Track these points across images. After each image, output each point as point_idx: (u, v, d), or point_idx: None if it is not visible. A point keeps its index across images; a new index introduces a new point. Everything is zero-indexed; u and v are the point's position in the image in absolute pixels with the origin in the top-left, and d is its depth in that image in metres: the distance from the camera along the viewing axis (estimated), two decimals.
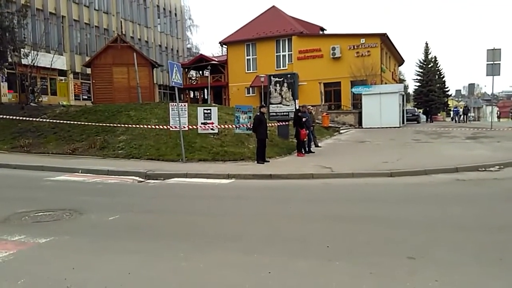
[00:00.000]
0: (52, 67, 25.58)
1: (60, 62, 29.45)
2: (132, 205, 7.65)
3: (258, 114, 13.12)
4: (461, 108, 42.43)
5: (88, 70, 28.63)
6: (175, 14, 46.19)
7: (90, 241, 5.30)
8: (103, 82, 25.00)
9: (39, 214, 6.54)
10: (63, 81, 31.70)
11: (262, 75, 29.03)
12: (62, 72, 30.94)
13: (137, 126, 15.61)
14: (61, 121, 16.57)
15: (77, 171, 11.23)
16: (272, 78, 16.96)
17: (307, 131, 14.60)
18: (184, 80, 33.74)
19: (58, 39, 31.10)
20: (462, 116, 39.66)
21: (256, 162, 12.45)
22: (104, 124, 15.86)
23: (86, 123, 16.38)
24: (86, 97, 32.50)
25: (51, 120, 16.87)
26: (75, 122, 16.44)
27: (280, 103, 16.41)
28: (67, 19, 32.09)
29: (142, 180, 10.34)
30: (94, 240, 5.32)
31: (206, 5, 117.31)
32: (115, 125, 15.84)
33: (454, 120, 40.33)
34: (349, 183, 9.51)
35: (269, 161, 12.65)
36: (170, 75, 13.10)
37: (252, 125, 13.43)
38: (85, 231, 5.78)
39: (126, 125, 15.72)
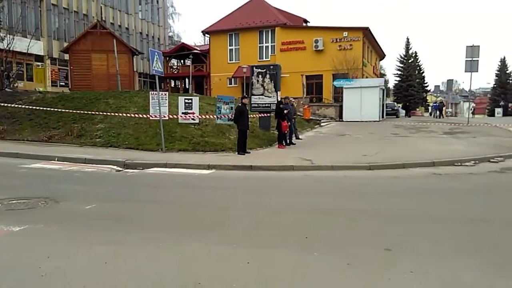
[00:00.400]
0: (28, 52, 24.82)
1: (37, 47, 28.65)
2: (109, 194, 7.54)
3: (240, 105, 13.07)
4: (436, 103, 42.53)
5: (66, 56, 27.94)
6: (157, 1, 45.35)
7: (66, 230, 5.20)
8: (82, 69, 24.45)
9: (13, 202, 6.38)
10: (40, 67, 30.85)
11: (245, 66, 28.86)
12: (39, 58, 30.10)
13: (116, 114, 15.33)
14: (37, 108, 16.15)
15: (53, 159, 10.99)
16: (254, 69, 16.89)
17: (289, 123, 14.62)
18: (165, 69, 33.29)
19: (35, 23, 30.16)
20: (437, 112, 39.48)
21: (237, 153, 12.42)
22: (81, 112, 15.53)
23: (63, 110, 15.98)
24: (63, 83, 31.72)
25: (27, 107, 16.42)
26: (52, 109, 16.03)
27: (262, 95, 16.38)
28: (45, 3, 31.13)
29: (121, 169, 10.19)
30: (70, 229, 5.22)
31: None
32: (93, 112, 15.53)
33: (433, 115, 40.77)
34: (329, 175, 9.58)
35: (249, 152, 12.64)
36: (151, 63, 12.89)
37: (233, 115, 13.37)
38: (61, 219, 5.67)
39: (105, 113, 15.43)
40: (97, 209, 6.22)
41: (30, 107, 16.34)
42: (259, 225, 5.56)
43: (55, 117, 15.77)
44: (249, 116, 13.40)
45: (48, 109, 16.04)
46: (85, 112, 15.52)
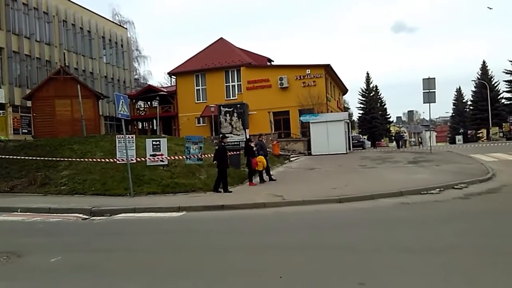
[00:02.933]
0: None
1: None
2: (75, 244, 7.24)
3: (222, 144, 13.34)
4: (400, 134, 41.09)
5: (29, 103, 27.35)
6: (122, 45, 45.62)
7: (30, 285, 4.93)
8: (45, 115, 23.99)
9: None
10: (1, 115, 29.97)
11: (212, 105, 29.11)
12: (0, 106, 29.30)
13: (81, 160, 14.98)
14: None
15: (16, 210, 10.54)
16: (222, 108, 17.08)
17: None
18: (131, 111, 33.03)
19: None
20: (396, 144, 36.31)
21: (213, 191, 12.44)
22: (45, 159, 15.09)
23: (26, 158, 15.47)
24: (26, 131, 30.81)
25: None
26: (14, 157, 15.50)
27: (230, 133, 16.49)
28: (6, 50, 30.67)
29: (87, 217, 9.85)
30: (34, 284, 4.97)
31: (153, 36, 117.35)
32: (57, 159, 15.11)
33: (398, 146, 36.44)
34: (300, 210, 9.60)
35: (231, 192, 12.57)
36: (117, 107, 12.80)
37: (214, 155, 13.43)
38: (24, 275, 5.38)
39: (69, 159, 15.05)
40: (62, 262, 5.94)
41: None
42: (232, 267, 5.44)
43: (18, 166, 15.24)
44: (227, 155, 13.55)
45: (10, 157, 15.49)
46: (49, 159, 15.08)
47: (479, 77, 59.46)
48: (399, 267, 5.06)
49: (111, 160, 14.34)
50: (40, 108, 24.24)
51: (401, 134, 42.14)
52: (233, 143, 16.43)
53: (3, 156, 15.56)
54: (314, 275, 4.93)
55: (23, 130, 31.07)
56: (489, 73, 59.65)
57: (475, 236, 6.53)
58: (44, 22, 34.53)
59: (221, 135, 14.73)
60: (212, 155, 13.69)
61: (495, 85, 58.26)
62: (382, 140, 62.11)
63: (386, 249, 5.91)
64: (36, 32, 33.58)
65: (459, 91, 74.47)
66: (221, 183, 12.67)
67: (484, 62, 60.96)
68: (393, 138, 54.23)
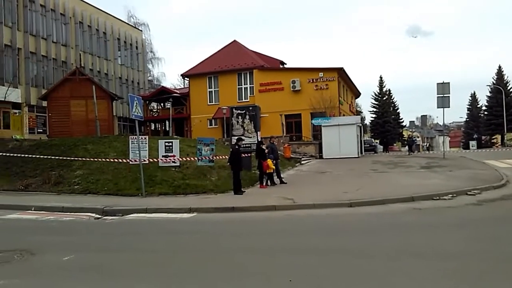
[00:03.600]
0: (6, 100, 24.63)
1: (15, 95, 28.46)
2: (88, 243, 7.35)
3: (236, 147, 13.50)
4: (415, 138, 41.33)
5: (44, 103, 27.80)
6: (136, 47, 46.11)
7: (42, 284, 5.02)
8: (60, 115, 24.35)
9: None
10: (17, 114, 30.51)
11: (224, 107, 29.22)
12: (16, 105, 29.80)
13: (95, 160, 15.18)
14: (14, 155, 15.86)
15: (30, 209, 10.72)
16: (234, 110, 17.13)
17: (274, 162, 14.81)
18: (145, 113, 33.31)
19: (13, 71, 30.10)
20: (408, 149, 35.21)
21: (233, 193, 12.68)
22: (59, 158, 15.32)
23: (41, 157, 15.73)
24: (41, 130, 31.32)
25: (3, 154, 16.11)
26: (29, 156, 15.77)
27: (242, 135, 16.52)
28: (23, 51, 31.24)
29: (99, 216, 9.98)
30: (46, 283, 5.04)
31: (168, 38, 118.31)
32: (71, 159, 15.33)
33: (409, 152, 34.57)
34: (311, 214, 9.59)
35: (245, 191, 12.81)
36: (131, 108, 12.96)
37: (228, 157, 13.62)
38: (37, 273, 5.48)
39: (83, 159, 15.26)
40: (75, 260, 6.04)
41: (7, 155, 16.04)
42: (241, 269, 5.47)
43: (32, 165, 15.50)
44: (242, 157, 13.73)
45: (25, 156, 15.78)
46: (63, 158, 15.31)
47: (494, 82, 58.69)
48: (408, 272, 5.03)
49: (124, 160, 14.50)
50: (55, 108, 24.62)
51: (414, 138, 41.68)
52: (244, 146, 16.46)
53: (19, 155, 15.86)
54: (323, 279, 4.92)
55: (39, 130, 31.59)
56: (505, 78, 58.88)
57: (487, 243, 6.44)
58: (61, 24, 35.12)
59: (236, 138, 14.82)
60: (226, 156, 13.81)
61: (511, 90, 57.40)
62: (395, 144, 61.58)
63: (396, 255, 5.87)
64: (53, 33, 34.16)
65: (473, 96, 73.57)
66: (237, 183, 12.83)
67: (499, 67, 60.24)
68: (405, 142, 53.77)
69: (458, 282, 4.69)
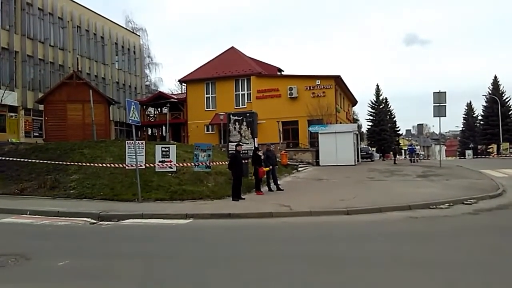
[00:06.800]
0: (2, 103, 24.55)
1: (11, 98, 28.36)
2: (83, 248, 7.29)
3: (234, 152, 13.48)
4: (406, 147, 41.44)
5: (41, 107, 27.72)
6: (134, 52, 46.14)
7: None
8: (56, 119, 24.28)
9: None
10: (13, 118, 30.39)
11: (222, 113, 29.25)
12: (12, 108, 29.71)
13: (91, 164, 15.10)
14: (9, 159, 15.76)
15: (25, 213, 10.63)
16: (231, 116, 17.14)
17: (271, 168, 14.86)
18: (142, 117, 33.33)
19: (9, 74, 30.01)
20: (408, 156, 35.84)
21: (231, 199, 12.61)
22: (55, 163, 15.23)
23: (36, 161, 15.63)
24: (37, 134, 31.22)
25: None
26: (25, 160, 15.68)
27: (239, 142, 16.51)
28: (20, 54, 31.19)
29: (95, 221, 9.91)
30: None
31: (165, 43, 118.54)
32: (67, 163, 15.25)
33: (410, 160, 33.68)
34: (307, 221, 9.56)
35: (244, 198, 12.74)
36: (127, 113, 12.92)
37: (228, 162, 13.60)
38: (32, 278, 5.42)
39: (79, 164, 15.17)
40: (70, 266, 5.98)
41: (2, 158, 15.93)
42: (237, 277, 5.43)
43: (28, 168, 15.40)
44: (242, 162, 13.72)
45: (21, 160, 15.68)
46: (59, 162, 15.23)
47: (490, 92, 59.10)
48: (404, 281, 5.02)
49: (120, 165, 14.43)
50: (52, 112, 24.55)
51: (413, 147, 41.85)
52: (241, 152, 16.44)
53: (14, 159, 15.75)
54: (319, 287, 4.90)
55: (35, 133, 31.48)
56: (501, 88, 59.32)
57: (483, 252, 6.44)
58: (58, 27, 35.13)
59: (236, 143, 14.83)
60: (223, 162, 13.78)
61: (507, 100, 57.86)
62: (391, 152, 61.67)
63: (392, 263, 5.86)
64: (50, 37, 34.15)
65: (469, 105, 74.07)
66: (235, 189, 12.80)
67: (495, 77, 60.67)
68: (403, 150, 54.04)
69: None
